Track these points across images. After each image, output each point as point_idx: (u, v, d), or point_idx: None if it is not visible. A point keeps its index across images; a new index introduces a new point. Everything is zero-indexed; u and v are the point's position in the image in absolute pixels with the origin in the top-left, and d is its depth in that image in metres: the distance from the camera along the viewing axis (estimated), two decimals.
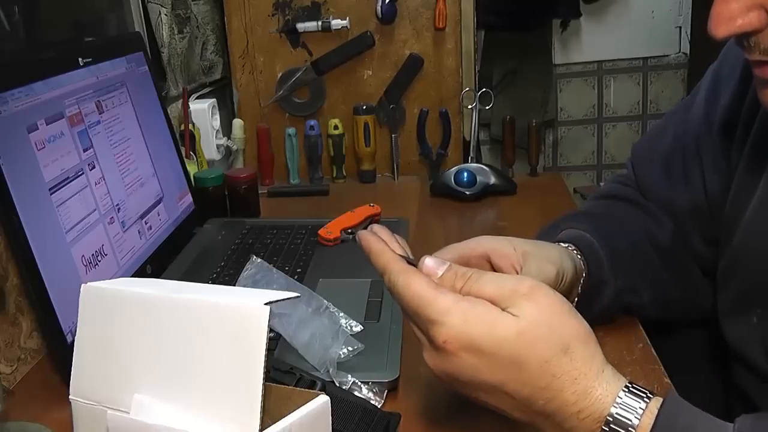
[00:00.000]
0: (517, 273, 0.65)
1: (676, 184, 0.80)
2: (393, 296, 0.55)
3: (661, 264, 0.79)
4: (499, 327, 0.50)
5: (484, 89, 1.44)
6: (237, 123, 1.48)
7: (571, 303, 0.71)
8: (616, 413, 0.49)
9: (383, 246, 0.56)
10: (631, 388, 0.50)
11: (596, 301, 0.74)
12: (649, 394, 0.50)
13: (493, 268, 0.66)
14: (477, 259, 0.67)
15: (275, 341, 0.76)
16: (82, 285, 0.54)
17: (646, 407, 0.49)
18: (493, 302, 0.51)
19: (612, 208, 0.85)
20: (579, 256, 0.72)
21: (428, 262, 0.55)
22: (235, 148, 1.48)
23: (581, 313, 0.72)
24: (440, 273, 0.54)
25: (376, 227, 0.60)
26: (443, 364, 0.53)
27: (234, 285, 0.87)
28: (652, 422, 0.49)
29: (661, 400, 0.50)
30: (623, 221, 0.82)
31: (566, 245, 0.73)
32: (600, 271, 0.74)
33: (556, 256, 0.68)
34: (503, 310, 0.51)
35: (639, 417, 0.49)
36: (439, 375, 0.54)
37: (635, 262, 0.78)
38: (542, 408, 0.51)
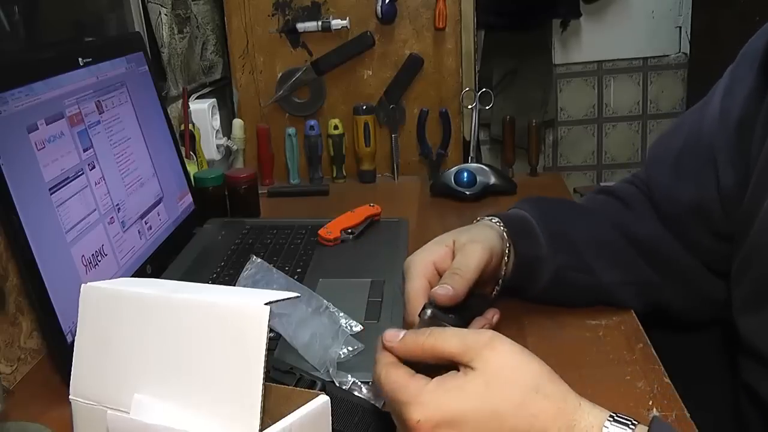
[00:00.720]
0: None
1: (684, 180, 0.80)
2: (377, 385, 0.56)
3: (636, 252, 0.81)
4: (467, 387, 0.51)
5: (484, 89, 1.44)
6: (237, 123, 1.48)
7: (506, 275, 0.76)
8: None
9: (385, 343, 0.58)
10: (616, 417, 0.50)
11: (537, 275, 0.79)
12: (633, 422, 0.50)
13: (439, 274, 0.70)
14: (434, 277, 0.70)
15: (275, 341, 0.76)
16: (82, 285, 0.54)
17: None
18: (458, 356, 0.52)
19: (591, 201, 0.89)
20: (503, 229, 0.77)
21: (387, 333, 0.57)
22: (235, 148, 1.48)
23: (525, 291, 0.79)
24: (401, 335, 0.56)
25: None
26: None
27: (234, 285, 0.87)
28: None
29: (646, 428, 0.50)
30: (593, 211, 0.85)
31: (490, 218, 0.79)
32: (533, 245, 0.78)
33: (480, 234, 0.74)
34: (467, 364, 0.52)
35: None
36: None
37: (593, 245, 0.80)
38: None
